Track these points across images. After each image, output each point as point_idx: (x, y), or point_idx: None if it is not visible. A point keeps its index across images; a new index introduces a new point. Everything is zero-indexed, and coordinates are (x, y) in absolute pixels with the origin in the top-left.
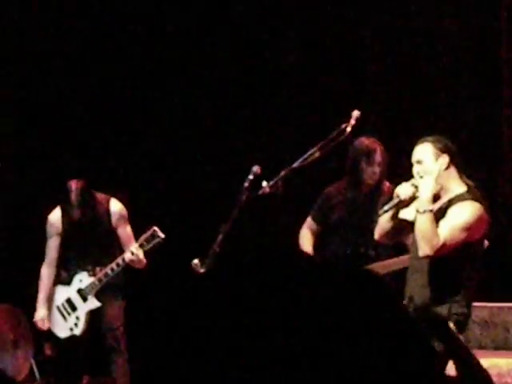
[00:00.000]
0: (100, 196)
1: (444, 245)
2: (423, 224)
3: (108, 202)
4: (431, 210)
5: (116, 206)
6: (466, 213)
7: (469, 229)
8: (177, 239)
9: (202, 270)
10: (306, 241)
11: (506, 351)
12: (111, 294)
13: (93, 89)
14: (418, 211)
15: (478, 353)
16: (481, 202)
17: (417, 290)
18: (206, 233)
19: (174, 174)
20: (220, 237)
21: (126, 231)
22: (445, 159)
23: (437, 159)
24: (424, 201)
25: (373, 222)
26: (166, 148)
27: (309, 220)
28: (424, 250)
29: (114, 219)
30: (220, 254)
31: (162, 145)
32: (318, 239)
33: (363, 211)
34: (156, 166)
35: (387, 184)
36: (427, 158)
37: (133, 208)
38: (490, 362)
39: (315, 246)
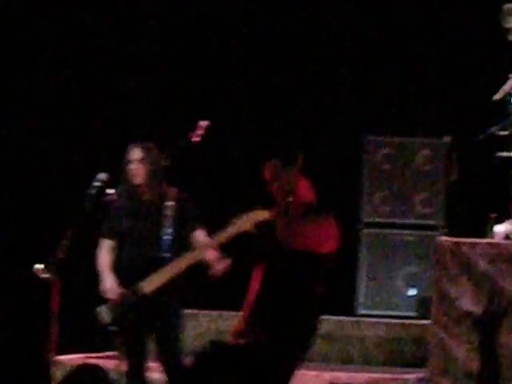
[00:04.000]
0: None
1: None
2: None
3: None
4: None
5: None
6: (320, 225)
7: (318, 240)
8: (21, 245)
9: (44, 276)
10: (103, 260)
11: (348, 365)
12: None
13: None
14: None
15: (320, 366)
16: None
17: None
18: (50, 239)
19: (20, 178)
20: (64, 243)
21: None
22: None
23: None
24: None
25: (162, 227)
26: (12, 151)
27: (101, 238)
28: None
29: None
30: (64, 260)
31: (8, 148)
32: (116, 252)
33: (148, 217)
34: (1, 171)
35: (173, 190)
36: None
37: None
38: (332, 375)
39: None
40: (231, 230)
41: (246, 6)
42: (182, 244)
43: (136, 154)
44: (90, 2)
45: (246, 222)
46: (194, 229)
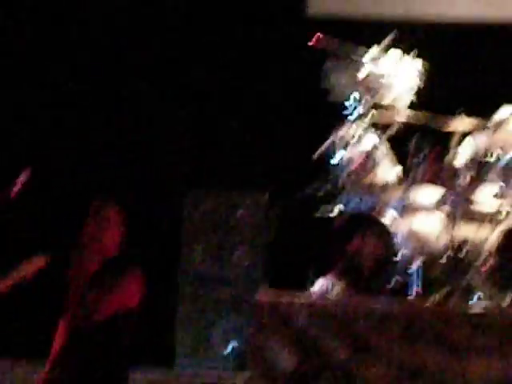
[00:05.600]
0: None
1: (100, 309)
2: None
3: None
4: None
5: None
6: (129, 279)
7: (129, 294)
8: None
9: None
10: None
11: None
12: None
13: None
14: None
15: None
16: (139, 268)
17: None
18: None
19: None
20: None
21: None
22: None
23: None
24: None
25: None
26: None
27: None
28: (79, 317)
29: None
30: None
31: None
32: None
33: None
34: None
35: None
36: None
37: None
38: None
39: None
40: (10, 279)
41: None
42: None
43: None
44: None
45: (23, 270)
46: None
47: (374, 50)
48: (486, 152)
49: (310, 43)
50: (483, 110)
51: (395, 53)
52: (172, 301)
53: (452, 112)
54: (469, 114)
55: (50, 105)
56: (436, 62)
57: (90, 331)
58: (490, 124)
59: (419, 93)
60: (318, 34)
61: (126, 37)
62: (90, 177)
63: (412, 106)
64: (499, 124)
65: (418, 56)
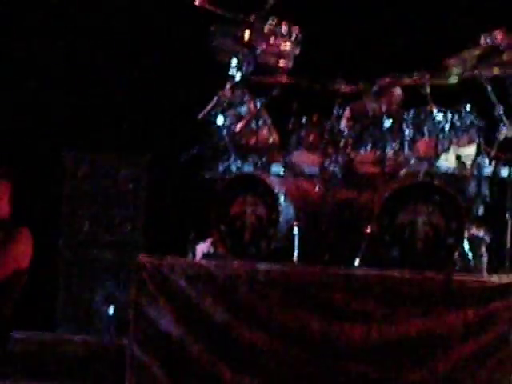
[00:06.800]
0: None
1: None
2: None
3: None
4: None
5: None
6: (19, 240)
7: (21, 256)
8: None
9: None
10: None
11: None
12: None
13: None
14: None
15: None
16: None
17: None
18: None
19: None
20: None
21: None
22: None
23: None
24: None
25: None
26: None
27: None
28: None
29: None
30: None
31: None
32: None
33: None
34: None
35: None
36: None
37: None
38: None
39: None
40: None
41: None
42: None
43: None
44: None
45: None
46: None
47: (256, 14)
48: (368, 115)
49: (195, 3)
50: (362, 75)
51: (274, 18)
52: (54, 265)
53: (331, 77)
54: (348, 79)
55: None
56: (314, 28)
57: None
58: (373, 88)
59: (298, 59)
60: None
61: None
62: None
63: (292, 71)
64: (381, 89)
65: (297, 22)
